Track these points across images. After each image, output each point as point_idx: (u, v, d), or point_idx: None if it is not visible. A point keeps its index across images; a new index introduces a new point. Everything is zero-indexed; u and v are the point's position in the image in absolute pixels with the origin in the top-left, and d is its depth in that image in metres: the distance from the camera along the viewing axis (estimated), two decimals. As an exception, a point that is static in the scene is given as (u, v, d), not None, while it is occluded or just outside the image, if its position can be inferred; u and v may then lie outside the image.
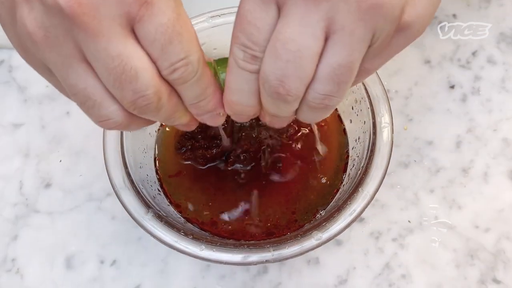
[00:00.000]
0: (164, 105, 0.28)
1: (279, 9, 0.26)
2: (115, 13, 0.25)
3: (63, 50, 0.26)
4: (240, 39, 0.27)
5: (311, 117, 0.31)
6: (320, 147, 0.48)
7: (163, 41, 0.26)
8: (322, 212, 0.46)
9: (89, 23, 0.24)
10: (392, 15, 0.25)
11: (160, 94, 0.27)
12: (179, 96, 0.29)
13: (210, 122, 0.32)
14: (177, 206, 0.47)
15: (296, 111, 0.30)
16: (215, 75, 0.31)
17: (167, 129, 0.50)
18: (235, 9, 0.46)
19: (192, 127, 0.33)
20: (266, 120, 0.32)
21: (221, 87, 0.31)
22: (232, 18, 0.46)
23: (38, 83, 0.57)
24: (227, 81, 0.29)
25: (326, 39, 0.26)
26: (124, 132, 0.44)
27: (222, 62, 0.31)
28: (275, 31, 0.26)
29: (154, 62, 0.27)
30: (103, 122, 0.29)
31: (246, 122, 0.48)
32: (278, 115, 0.30)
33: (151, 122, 0.32)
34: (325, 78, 0.27)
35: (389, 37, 0.27)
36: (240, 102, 0.30)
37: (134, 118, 0.29)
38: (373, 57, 0.28)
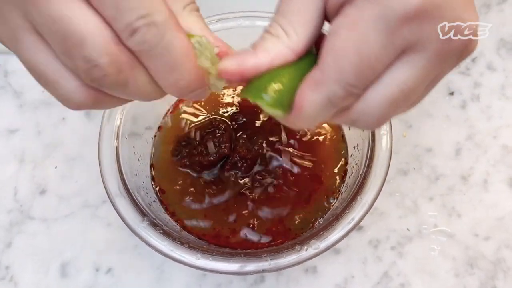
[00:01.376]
0: (129, 79, 0.24)
1: (402, 52, 0.24)
2: None
3: (11, 21, 0.23)
4: (350, 78, 0.24)
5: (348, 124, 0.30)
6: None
7: None
8: (321, 220, 0.45)
9: None
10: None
11: (119, 64, 0.23)
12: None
13: (192, 99, 0.28)
14: (172, 214, 0.46)
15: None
16: (198, 53, 0.25)
17: (163, 135, 0.50)
18: (233, 15, 0.46)
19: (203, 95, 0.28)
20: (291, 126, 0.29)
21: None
22: (230, 24, 0.46)
23: (34, 89, 0.56)
24: (303, 108, 0.25)
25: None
26: (120, 139, 0.43)
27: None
28: (393, 74, 0.24)
29: (109, 25, 0.23)
30: (65, 102, 0.26)
31: (247, 130, 0.48)
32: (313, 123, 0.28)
33: (126, 101, 0.27)
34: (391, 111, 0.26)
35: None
36: (309, 123, 0.27)
37: (100, 95, 0.25)
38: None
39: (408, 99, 0.26)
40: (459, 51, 0.25)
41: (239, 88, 0.51)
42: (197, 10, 0.28)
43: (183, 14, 0.26)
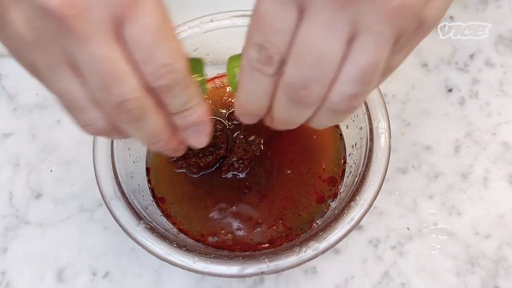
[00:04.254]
0: (148, 117, 0.28)
1: (301, 11, 0.25)
2: (103, 14, 0.24)
3: (51, 53, 0.26)
4: (256, 39, 0.26)
5: (328, 121, 0.30)
6: None
7: (149, 43, 0.25)
8: (319, 221, 0.45)
9: (77, 25, 0.24)
10: (417, 13, 0.25)
11: (143, 103, 0.27)
12: (165, 117, 0.29)
13: (194, 141, 0.31)
14: (169, 217, 0.46)
15: (311, 117, 0.30)
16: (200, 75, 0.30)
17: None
18: (227, 14, 0.46)
19: (180, 152, 0.32)
20: (269, 123, 0.31)
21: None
22: (224, 22, 0.46)
23: (28, 92, 0.56)
24: (239, 81, 0.28)
25: (350, 41, 0.25)
26: (115, 142, 0.43)
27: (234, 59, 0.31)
28: (299, 35, 0.25)
29: (139, 69, 0.26)
30: (86, 127, 0.29)
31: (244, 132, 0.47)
32: (287, 122, 0.30)
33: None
34: (352, 79, 0.26)
35: (411, 34, 0.27)
36: (251, 103, 0.29)
37: (116, 127, 0.29)
38: (396, 55, 0.28)
39: (321, 56, 0.25)
40: None
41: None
42: None
43: None
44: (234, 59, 0.30)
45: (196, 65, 0.30)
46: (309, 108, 0.28)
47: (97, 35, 0.24)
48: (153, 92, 0.27)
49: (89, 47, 0.25)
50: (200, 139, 0.31)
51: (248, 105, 0.29)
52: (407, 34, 0.26)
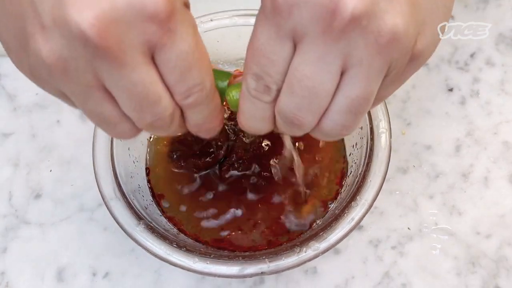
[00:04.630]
0: (175, 124, 0.29)
1: (295, 44, 0.26)
2: (138, 41, 0.24)
3: (82, 80, 0.25)
4: (253, 69, 0.27)
5: (324, 139, 0.34)
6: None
7: (183, 68, 0.26)
8: (319, 221, 0.45)
9: (114, 52, 0.24)
10: (408, 47, 0.26)
11: (174, 115, 0.28)
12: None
13: (205, 136, 0.32)
14: (169, 217, 0.45)
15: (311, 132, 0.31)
16: (222, 89, 0.31)
17: (159, 137, 0.49)
18: (228, 13, 0.46)
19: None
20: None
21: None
22: (225, 22, 0.46)
23: (28, 91, 0.56)
24: (240, 106, 0.29)
25: (342, 73, 0.26)
26: (114, 142, 0.43)
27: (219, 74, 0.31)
28: (292, 67, 0.26)
29: (169, 86, 0.27)
30: (117, 136, 0.31)
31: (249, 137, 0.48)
32: (289, 133, 0.32)
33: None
34: (343, 110, 0.27)
35: (403, 66, 0.27)
36: (253, 125, 0.30)
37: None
38: (388, 86, 0.29)
39: (312, 89, 0.26)
40: (346, 31, 0.24)
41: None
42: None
43: None
44: (233, 87, 0.31)
45: (221, 76, 0.31)
46: (305, 130, 0.29)
47: (132, 61, 0.25)
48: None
49: (125, 72, 0.25)
50: (210, 135, 0.32)
51: (250, 126, 0.30)
52: (399, 67, 0.27)
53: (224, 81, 0.31)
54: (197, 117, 0.29)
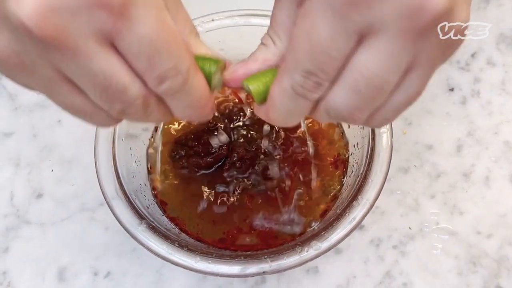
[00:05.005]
0: (154, 111, 0.27)
1: (361, 37, 0.24)
2: (88, 29, 0.23)
3: (42, 72, 0.25)
4: (306, 66, 0.25)
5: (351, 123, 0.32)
6: (310, 145, 0.47)
7: (148, 53, 0.24)
8: (318, 222, 0.45)
9: (63, 42, 0.23)
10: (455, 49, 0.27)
11: (148, 101, 0.26)
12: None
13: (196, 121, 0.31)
14: (171, 217, 0.45)
15: None
16: (209, 75, 0.29)
17: (160, 137, 0.49)
18: (229, 13, 0.46)
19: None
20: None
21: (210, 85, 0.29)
22: (226, 22, 0.46)
23: (29, 91, 0.55)
24: (275, 102, 0.27)
25: (406, 71, 0.25)
26: (116, 142, 0.43)
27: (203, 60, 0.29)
28: (357, 64, 0.24)
29: (139, 73, 0.25)
30: (97, 125, 0.30)
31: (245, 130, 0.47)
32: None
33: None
34: (399, 108, 0.27)
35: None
36: (285, 121, 0.29)
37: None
38: None
39: (378, 88, 0.25)
40: (427, 29, 0.24)
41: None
42: (198, 34, 0.31)
43: (193, 41, 0.30)
44: (255, 78, 0.29)
45: (207, 62, 0.29)
46: (352, 123, 0.29)
47: (87, 50, 0.23)
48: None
49: (81, 63, 0.23)
50: (203, 120, 0.31)
51: (281, 121, 0.29)
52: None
53: (211, 66, 0.29)
54: (179, 105, 0.28)
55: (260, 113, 0.30)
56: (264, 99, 0.29)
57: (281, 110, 0.28)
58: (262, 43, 0.30)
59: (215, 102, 0.50)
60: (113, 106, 0.26)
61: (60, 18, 0.22)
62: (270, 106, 0.28)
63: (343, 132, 0.49)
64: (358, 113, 0.26)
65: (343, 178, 0.47)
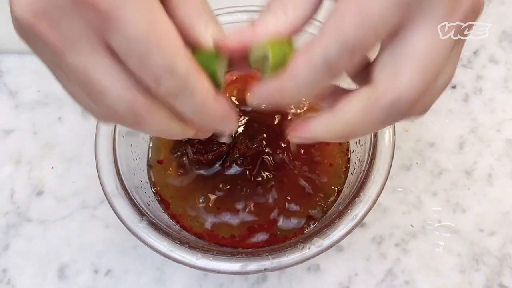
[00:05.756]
0: (147, 119, 0.26)
1: (409, 14, 0.24)
2: (78, 27, 0.23)
3: (45, 57, 0.26)
4: (349, 38, 0.24)
5: None
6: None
7: (139, 54, 0.23)
8: (317, 222, 0.45)
9: (51, 37, 0.23)
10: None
11: (137, 109, 0.25)
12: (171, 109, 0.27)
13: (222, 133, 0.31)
14: (171, 214, 0.45)
15: None
16: (213, 73, 0.27)
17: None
18: (230, 9, 0.45)
19: (206, 134, 0.31)
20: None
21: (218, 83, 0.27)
22: (227, 18, 0.45)
23: (30, 88, 0.55)
24: (297, 70, 0.25)
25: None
26: (117, 139, 0.42)
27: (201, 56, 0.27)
28: (409, 43, 0.24)
29: (136, 76, 0.25)
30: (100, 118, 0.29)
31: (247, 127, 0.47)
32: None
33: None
34: (438, 94, 0.27)
35: None
36: (299, 95, 0.26)
37: None
38: None
39: (440, 65, 0.25)
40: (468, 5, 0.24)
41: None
42: (215, 24, 0.29)
43: (203, 34, 0.28)
44: (274, 45, 0.26)
45: (207, 59, 0.27)
46: None
47: (75, 47, 0.24)
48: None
49: (68, 58, 0.24)
50: (223, 129, 0.30)
51: (294, 95, 0.26)
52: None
53: (213, 62, 0.27)
54: (187, 110, 0.26)
55: (268, 86, 0.27)
56: (275, 70, 0.26)
57: (302, 83, 0.25)
58: (268, 9, 0.27)
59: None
60: (97, 108, 0.26)
61: (51, 14, 0.23)
62: (289, 77, 0.25)
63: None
64: (422, 97, 0.25)
65: (345, 175, 0.46)
